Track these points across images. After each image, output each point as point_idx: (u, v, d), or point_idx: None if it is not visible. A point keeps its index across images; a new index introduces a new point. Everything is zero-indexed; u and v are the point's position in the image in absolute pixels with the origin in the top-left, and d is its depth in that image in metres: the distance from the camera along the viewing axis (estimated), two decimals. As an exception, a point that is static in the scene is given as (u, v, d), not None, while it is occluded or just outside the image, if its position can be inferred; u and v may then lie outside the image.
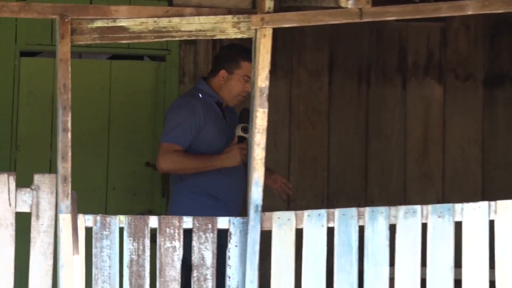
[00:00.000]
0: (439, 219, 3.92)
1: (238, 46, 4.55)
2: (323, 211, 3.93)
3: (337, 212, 3.92)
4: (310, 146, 5.39)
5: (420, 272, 3.93)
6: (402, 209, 3.96)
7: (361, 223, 3.90)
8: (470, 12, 4.09)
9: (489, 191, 5.24)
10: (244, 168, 4.40)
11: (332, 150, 5.32)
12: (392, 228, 3.94)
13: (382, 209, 3.97)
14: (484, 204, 3.93)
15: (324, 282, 3.89)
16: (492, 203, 3.92)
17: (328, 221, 3.87)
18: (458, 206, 3.94)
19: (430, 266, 3.93)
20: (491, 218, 3.93)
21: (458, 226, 3.91)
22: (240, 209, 4.46)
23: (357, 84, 5.41)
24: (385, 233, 3.89)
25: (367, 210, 3.98)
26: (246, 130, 4.39)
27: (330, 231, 3.87)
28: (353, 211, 3.94)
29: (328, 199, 5.26)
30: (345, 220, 3.91)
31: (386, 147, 5.55)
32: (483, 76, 5.64)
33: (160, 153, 4.40)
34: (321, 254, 3.88)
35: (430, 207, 3.97)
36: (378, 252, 3.89)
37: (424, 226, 3.95)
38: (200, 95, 4.58)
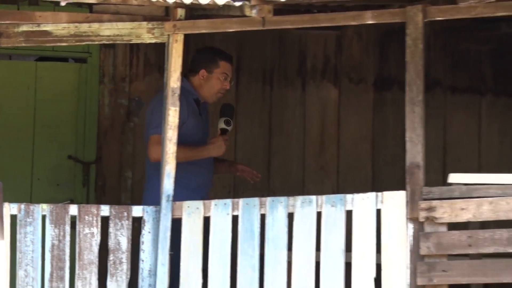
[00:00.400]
0: (332, 208, 4.10)
1: (215, 48, 4.80)
2: (228, 201, 4.11)
3: (241, 201, 4.11)
4: (218, 141, 5.47)
5: (315, 256, 4.12)
6: (299, 199, 4.13)
7: (262, 212, 4.08)
8: (361, 22, 4.32)
9: (378, 183, 5.39)
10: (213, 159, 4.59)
11: (239, 145, 5.40)
12: (291, 216, 4.11)
13: (282, 199, 4.14)
14: (372, 194, 4.13)
15: (229, 265, 4.07)
16: (379, 193, 4.11)
17: (233, 209, 4.07)
18: (349, 196, 4.14)
19: (324, 250, 4.11)
20: (378, 207, 4.13)
21: (349, 214, 4.09)
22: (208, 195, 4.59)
23: (262, 86, 5.53)
24: (284, 220, 4.08)
25: (268, 199, 4.15)
26: (228, 123, 4.66)
27: (235, 219, 4.06)
28: (255, 200, 4.12)
29: (235, 190, 5.36)
30: (248, 209, 4.09)
31: (287, 143, 5.65)
32: (374, 80, 5.81)
33: (151, 144, 4.49)
34: (226, 239, 4.07)
35: (324, 197, 4.15)
36: (278, 238, 4.06)
37: (319, 214, 4.12)
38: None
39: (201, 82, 4.63)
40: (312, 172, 5.77)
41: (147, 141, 4.58)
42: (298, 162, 5.62)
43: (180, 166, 4.38)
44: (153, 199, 4.33)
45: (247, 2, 3.99)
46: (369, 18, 4.30)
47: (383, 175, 5.56)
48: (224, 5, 3.96)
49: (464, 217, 4.09)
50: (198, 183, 4.61)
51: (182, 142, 4.44)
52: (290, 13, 4.22)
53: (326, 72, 5.83)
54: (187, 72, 4.72)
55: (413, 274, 4.06)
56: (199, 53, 4.78)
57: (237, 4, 4.00)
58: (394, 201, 4.13)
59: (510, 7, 4.24)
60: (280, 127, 5.52)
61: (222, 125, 4.65)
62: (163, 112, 4.39)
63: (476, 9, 4.09)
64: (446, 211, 4.08)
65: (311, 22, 4.26)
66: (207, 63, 4.65)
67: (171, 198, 4.07)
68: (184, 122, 4.49)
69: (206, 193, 4.59)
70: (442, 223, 4.11)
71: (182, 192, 4.37)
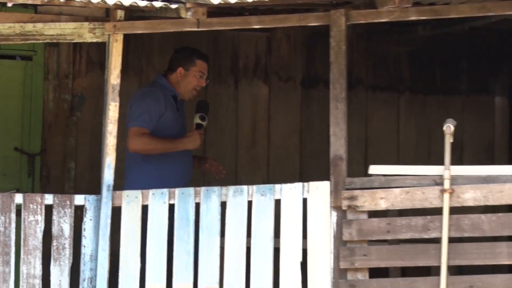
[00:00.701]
0: (262, 197, 4.22)
1: (192, 48, 4.86)
2: (165, 190, 4.23)
3: (177, 191, 4.23)
4: (157, 136, 5.51)
5: (245, 242, 4.23)
6: (231, 188, 4.26)
7: (197, 200, 4.21)
8: (289, 25, 4.49)
9: (305, 174, 5.45)
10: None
11: (176, 139, 5.42)
12: (224, 205, 4.23)
13: (215, 188, 4.27)
14: (299, 184, 4.25)
15: (165, 250, 4.19)
16: (306, 184, 4.24)
17: (169, 198, 4.20)
18: (277, 186, 4.27)
19: (254, 237, 4.24)
20: (305, 197, 4.26)
21: (278, 203, 4.21)
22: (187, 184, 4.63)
23: (197, 83, 5.55)
24: (217, 209, 4.22)
25: (203, 189, 4.27)
26: (203, 118, 4.78)
27: (171, 207, 4.20)
28: (190, 190, 4.25)
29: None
30: (184, 198, 4.22)
31: (221, 137, 5.73)
32: (301, 78, 5.92)
33: (131, 136, 4.56)
34: (163, 226, 4.19)
35: (255, 187, 4.29)
36: (211, 225, 4.20)
37: (250, 203, 4.25)
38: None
39: (178, 79, 4.74)
40: (244, 164, 5.86)
41: (127, 133, 4.63)
42: (231, 155, 5.72)
43: (161, 158, 4.55)
44: (136, 188, 4.38)
45: (182, 5, 4.07)
46: (296, 21, 4.44)
47: (309, 167, 5.65)
48: (161, 7, 4.04)
49: (383, 205, 4.22)
50: (180, 174, 4.69)
51: (160, 135, 4.61)
52: (224, 15, 4.30)
53: (257, 71, 5.93)
54: (166, 70, 4.83)
55: (336, 258, 4.19)
56: (177, 52, 4.88)
57: (173, 6, 4.08)
58: (319, 191, 4.25)
59: (424, 12, 4.45)
60: (214, 123, 5.55)
61: (197, 120, 4.76)
62: (153, 104, 4.56)
63: (394, 13, 4.25)
64: (367, 200, 4.20)
65: (243, 24, 4.36)
66: (184, 61, 4.76)
67: (111, 188, 4.16)
68: (162, 115, 4.61)
69: (186, 184, 4.66)
70: (363, 211, 4.23)
71: (165, 184, 4.47)
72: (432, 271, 4.31)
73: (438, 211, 4.19)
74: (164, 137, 4.67)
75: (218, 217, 4.18)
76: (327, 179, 4.26)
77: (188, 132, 4.70)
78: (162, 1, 4.08)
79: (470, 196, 4.24)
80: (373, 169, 4.33)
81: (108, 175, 4.17)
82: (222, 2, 4.07)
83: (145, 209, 4.26)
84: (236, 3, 4.04)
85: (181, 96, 4.78)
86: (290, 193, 4.25)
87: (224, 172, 4.94)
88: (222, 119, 5.83)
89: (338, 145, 4.26)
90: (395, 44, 6.14)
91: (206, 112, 4.83)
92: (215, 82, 5.74)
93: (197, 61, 4.77)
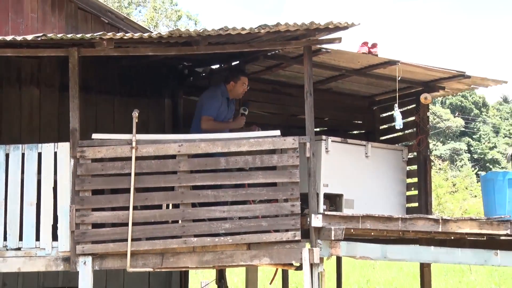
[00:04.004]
0: (31, 151, 5.38)
1: (236, 68, 6.41)
2: None
3: None
4: None
5: (20, 176, 5.28)
6: (12, 146, 5.39)
7: None
8: (43, 54, 5.48)
9: (62, 140, 5.67)
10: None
11: None
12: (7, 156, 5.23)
13: (2, 146, 5.35)
14: (52, 144, 5.38)
15: None
16: (56, 143, 5.39)
17: None
18: (39, 145, 5.37)
19: (26, 173, 5.34)
20: (55, 151, 5.35)
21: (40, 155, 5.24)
22: None
23: None
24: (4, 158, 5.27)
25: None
26: (245, 110, 6.30)
27: None
28: None
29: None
30: None
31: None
32: (58, 85, 7.01)
33: (203, 120, 6.02)
34: None
35: (26, 145, 5.37)
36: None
37: (23, 155, 5.27)
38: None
39: (231, 88, 6.21)
40: (26, 133, 6.92)
41: (199, 118, 6.02)
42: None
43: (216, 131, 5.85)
44: None
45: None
46: (48, 53, 5.43)
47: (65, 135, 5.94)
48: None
49: (99, 156, 5.40)
50: None
51: (217, 119, 6.06)
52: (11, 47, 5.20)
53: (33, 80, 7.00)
54: (224, 81, 6.23)
55: (73, 185, 5.46)
56: (230, 70, 6.31)
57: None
58: (64, 147, 5.53)
59: (120, 51, 5.57)
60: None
61: (241, 111, 6.32)
62: (216, 100, 5.97)
63: (105, 50, 5.46)
64: (90, 153, 5.44)
65: (15, 52, 5.36)
66: (234, 78, 6.20)
67: None
68: (219, 108, 6.07)
69: None
70: (88, 159, 5.49)
71: None
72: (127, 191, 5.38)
73: (129, 159, 5.44)
74: (219, 120, 6.05)
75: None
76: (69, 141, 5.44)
77: (235, 118, 6.20)
78: None
79: (146, 150, 5.53)
80: (94, 136, 5.61)
81: None
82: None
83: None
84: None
85: (233, 97, 6.25)
86: (47, 149, 5.53)
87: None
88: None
89: (74, 122, 5.49)
90: (117, 67, 7.13)
91: (247, 106, 6.33)
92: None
93: (241, 77, 6.25)
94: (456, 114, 41.36)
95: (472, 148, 41.17)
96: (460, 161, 38.84)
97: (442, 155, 36.52)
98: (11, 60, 6.46)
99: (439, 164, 28.08)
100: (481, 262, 6.06)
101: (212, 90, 6.24)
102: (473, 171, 34.09)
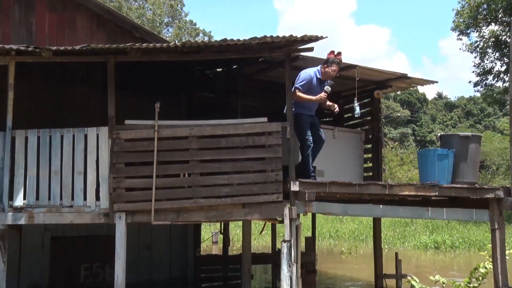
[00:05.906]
0: (79, 133, 5.23)
1: (330, 58, 5.74)
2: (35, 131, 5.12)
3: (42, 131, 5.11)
4: None
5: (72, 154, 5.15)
6: (65, 130, 5.24)
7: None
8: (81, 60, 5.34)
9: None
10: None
11: None
12: (62, 137, 5.13)
13: (58, 130, 5.23)
14: (94, 128, 5.26)
15: None
16: (98, 128, 5.27)
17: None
18: (85, 128, 5.22)
19: (76, 151, 5.20)
20: (97, 133, 5.22)
21: (86, 136, 5.13)
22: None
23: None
24: (59, 140, 5.15)
25: (52, 130, 5.24)
26: (327, 89, 5.73)
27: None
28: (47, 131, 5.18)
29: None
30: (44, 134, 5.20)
31: None
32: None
33: (295, 93, 5.61)
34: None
35: (76, 129, 5.24)
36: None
37: (73, 137, 5.16)
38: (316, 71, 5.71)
39: (323, 70, 5.75)
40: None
41: (294, 89, 5.59)
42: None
43: (305, 104, 5.63)
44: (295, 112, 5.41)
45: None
46: (90, 59, 5.26)
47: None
48: None
49: (129, 137, 5.16)
50: (313, 110, 5.82)
51: (307, 93, 5.66)
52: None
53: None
54: (322, 63, 5.74)
55: (111, 159, 5.24)
56: (328, 60, 5.73)
57: None
58: (103, 130, 5.38)
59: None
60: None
61: (325, 89, 5.79)
62: (309, 78, 5.54)
63: (134, 57, 5.21)
64: (124, 134, 5.19)
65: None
66: (327, 64, 5.75)
67: None
68: (311, 85, 5.66)
69: (313, 116, 5.79)
70: (122, 139, 5.23)
71: (306, 113, 5.62)
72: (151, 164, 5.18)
73: (153, 139, 5.20)
74: (309, 95, 5.69)
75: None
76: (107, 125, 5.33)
77: (320, 93, 5.72)
78: None
79: (165, 132, 5.24)
80: (127, 122, 5.50)
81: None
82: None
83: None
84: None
85: (325, 78, 5.75)
86: (92, 132, 5.42)
87: (336, 108, 5.86)
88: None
89: (111, 111, 5.27)
90: (144, 68, 6.86)
91: (331, 86, 5.79)
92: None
93: (333, 63, 5.77)
94: (404, 107, 41.36)
95: (416, 132, 41.25)
96: (407, 142, 38.83)
97: (394, 137, 36.44)
98: (65, 65, 6.40)
99: (391, 144, 27.92)
100: (417, 216, 6.02)
101: (309, 68, 5.90)
102: (416, 149, 33.95)
